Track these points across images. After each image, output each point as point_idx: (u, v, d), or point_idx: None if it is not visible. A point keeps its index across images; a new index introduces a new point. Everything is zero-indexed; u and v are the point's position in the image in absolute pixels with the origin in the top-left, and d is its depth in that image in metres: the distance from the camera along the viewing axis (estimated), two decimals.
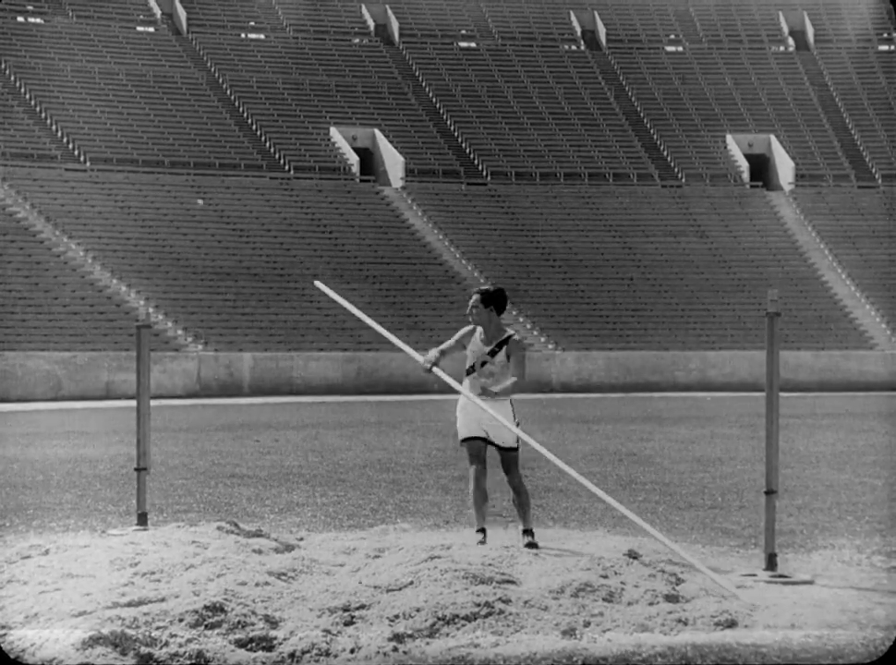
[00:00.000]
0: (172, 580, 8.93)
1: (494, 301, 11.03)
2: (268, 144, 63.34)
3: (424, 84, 69.76)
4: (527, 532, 11.12)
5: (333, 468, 19.05)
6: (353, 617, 8.06)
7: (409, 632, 7.80)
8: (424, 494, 15.72)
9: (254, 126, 64.31)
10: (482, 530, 11.16)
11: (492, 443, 11.13)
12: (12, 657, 7.43)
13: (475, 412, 11.04)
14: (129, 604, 8.19)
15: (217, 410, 37.77)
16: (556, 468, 10.64)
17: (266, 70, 67.17)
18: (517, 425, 11.05)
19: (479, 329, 11.11)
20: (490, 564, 9.34)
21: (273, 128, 64.27)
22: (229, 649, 7.56)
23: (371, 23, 72.37)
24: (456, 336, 11.20)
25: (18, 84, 60.96)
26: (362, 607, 8.23)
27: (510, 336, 11.13)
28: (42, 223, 53.77)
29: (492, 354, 11.02)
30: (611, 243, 62.18)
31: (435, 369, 10.95)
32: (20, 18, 65.17)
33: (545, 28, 74.09)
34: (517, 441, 11.08)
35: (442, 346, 11.18)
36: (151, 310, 53.65)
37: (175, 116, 62.40)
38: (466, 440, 11.16)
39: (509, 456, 11.13)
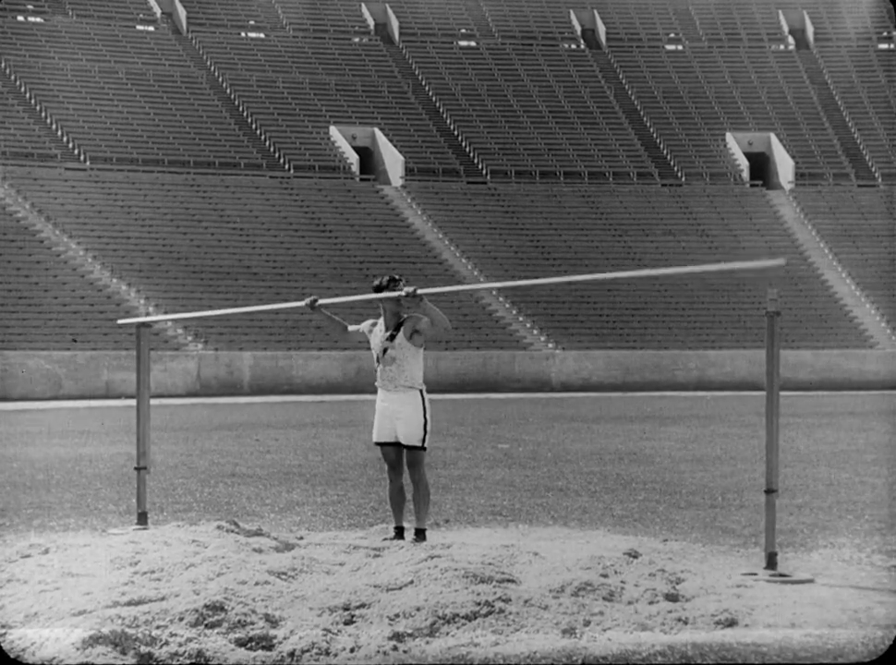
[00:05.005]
0: (172, 579, 8.93)
1: (377, 290, 11.12)
2: (267, 143, 63.33)
3: (424, 83, 69.74)
4: (419, 533, 11.12)
5: (334, 467, 19.05)
6: (353, 616, 8.06)
7: (409, 631, 7.80)
8: None
9: (254, 125, 64.30)
10: (399, 529, 11.28)
11: (400, 443, 11.16)
12: (12, 656, 7.42)
13: (388, 410, 11.13)
14: (129, 603, 8.19)
15: (217, 409, 37.77)
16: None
17: (266, 69, 67.15)
18: (426, 421, 11.09)
19: (381, 321, 11.25)
20: (489, 564, 9.34)
21: (273, 127, 64.27)
22: (229, 648, 7.56)
23: (371, 22, 72.36)
24: (361, 327, 11.43)
25: (17, 83, 60.94)
26: (362, 606, 8.22)
27: (405, 318, 11.16)
28: (41, 223, 53.76)
29: (391, 338, 11.07)
30: (611, 242, 62.18)
31: (319, 302, 11.20)
32: (20, 17, 65.16)
33: (545, 27, 74.07)
34: (423, 441, 11.10)
35: (347, 327, 11.49)
36: (150, 309, 53.52)
37: (175, 115, 62.40)
38: (377, 444, 11.30)
39: (413, 454, 11.12)
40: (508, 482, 17.07)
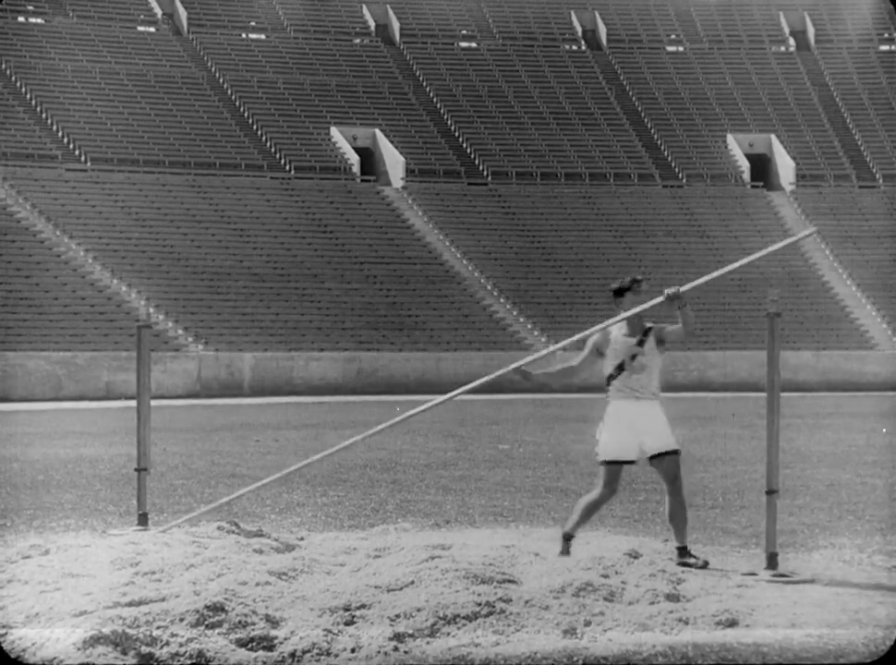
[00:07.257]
0: (172, 580, 8.92)
1: (619, 293, 10.42)
2: (268, 144, 63.33)
3: (425, 84, 69.75)
4: (682, 550, 10.26)
5: (334, 468, 19.04)
6: (353, 617, 8.05)
7: (410, 631, 7.79)
8: (425, 494, 15.71)
9: (255, 126, 64.30)
10: (569, 537, 10.45)
11: (648, 456, 10.24)
12: (13, 656, 7.42)
13: (635, 423, 10.22)
14: (130, 604, 8.19)
15: (217, 410, 37.76)
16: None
17: (267, 70, 67.17)
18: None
19: (616, 327, 10.38)
20: (490, 564, 9.34)
21: (274, 128, 64.27)
22: (230, 649, 7.55)
23: (372, 23, 72.37)
24: (589, 346, 10.40)
25: (18, 84, 60.95)
26: (363, 606, 8.22)
27: (651, 326, 10.49)
28: (42, 223, 53.77)
29: (641, 344, 10.33)
30: (612, 243, 62.17)
31: (528, 370, 10.43)
32: (21, 18, 65.18)
33: (546, 28, 74.09)
34: (678, 443, 10.34)
35: (573, 364, 10.42)
36: (151, 310, 53.68)
37: (176, 116, 62.40)
38: (609, 463, 10.25)
39: (672, 461, 10.24)
40: (509, 483, 17.06)
